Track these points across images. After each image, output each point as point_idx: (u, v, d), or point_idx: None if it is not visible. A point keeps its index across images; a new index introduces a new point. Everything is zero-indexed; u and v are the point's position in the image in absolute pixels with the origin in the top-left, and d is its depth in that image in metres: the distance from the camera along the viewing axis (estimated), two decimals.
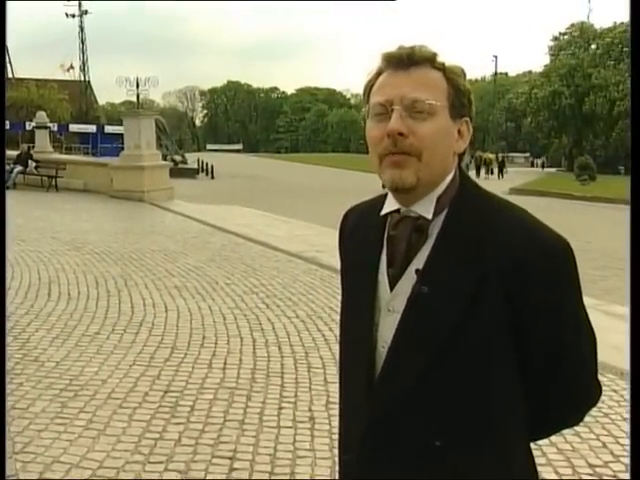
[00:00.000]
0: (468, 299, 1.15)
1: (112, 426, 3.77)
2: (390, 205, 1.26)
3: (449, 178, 1.23)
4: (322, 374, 4.65)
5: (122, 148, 20.21)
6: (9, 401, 4.07)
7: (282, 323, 5.92)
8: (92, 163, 21.54)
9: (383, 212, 1.27)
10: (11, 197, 16.89)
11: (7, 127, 46.28)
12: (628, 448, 3.26)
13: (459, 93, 1.22)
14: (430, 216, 1.21)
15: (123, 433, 3.68)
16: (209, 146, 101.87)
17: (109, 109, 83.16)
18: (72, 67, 60.38)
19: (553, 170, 57.17)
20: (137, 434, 3.67)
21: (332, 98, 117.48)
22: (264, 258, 9.22)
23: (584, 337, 1.23)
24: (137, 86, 24.11)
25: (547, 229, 1.20)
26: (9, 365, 4.71)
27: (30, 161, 19.64)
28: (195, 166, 35.37)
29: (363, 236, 1.31)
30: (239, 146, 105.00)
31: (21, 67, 76.15)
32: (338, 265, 1.44)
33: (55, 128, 39.11)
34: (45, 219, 12.91)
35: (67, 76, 59.34)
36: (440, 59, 1.22)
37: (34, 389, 4.30)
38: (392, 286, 1.24)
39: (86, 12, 63.86)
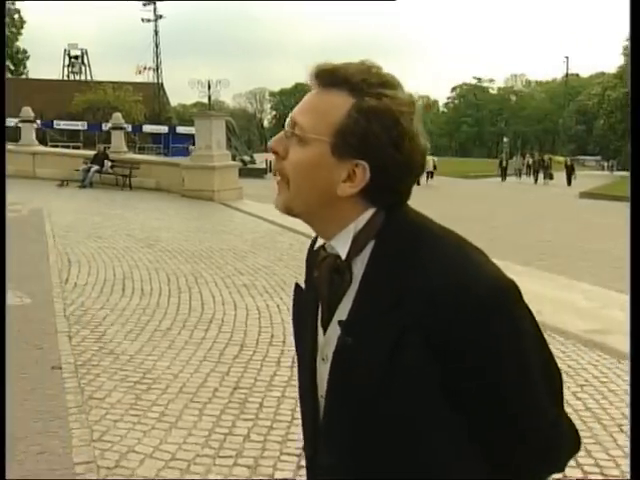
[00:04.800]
0: (390, 351, 1.02)
1: (183, 419, 3.87)
2: (321, 239, 1.14)
3: (368, 214, 1.07)
4: None
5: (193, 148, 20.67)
6: (87, 391, 4.23)
7: None
8: (164, 163, 22.03)
9: (316, 247, 1.16)
10: (88, 195, 17.59)
11: (85, 128, 48.13)
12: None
13: (360, 132, 1.03)
14: (344, 256, 1.07)
15: (194, 427, 3.77)
16: None
17: (180, 110, 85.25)
18: (145, 68, 62.27)
19: (625, 174, 55.11)
20: (207, 428, 3.75)
21: None
22: None
23: (533, 388, 1.07)
24: (209, 88, 24.65)
25: (481, 268, 1.04)
26: (86, 356, 4.90)
27: (106, 161, 20.29)
28: (263, 166, 35.80)
29: (309, 271, 1.20)
30: None
31: (99, 71, 79.00)
32: None
33: (129, 129, 40.37)
34: (120, 217, 13.31)
35: (141, 78, 61.34)
36: (375, 89, 1.03)
37: (110, 380, 4.45)
38: (325, 332, 1.13)
39: (161, 17, 65.85)
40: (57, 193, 17.86)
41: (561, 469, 1.17)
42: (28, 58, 74.27)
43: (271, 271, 8.21)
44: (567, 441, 1.13)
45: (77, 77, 66.79)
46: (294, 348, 1.28)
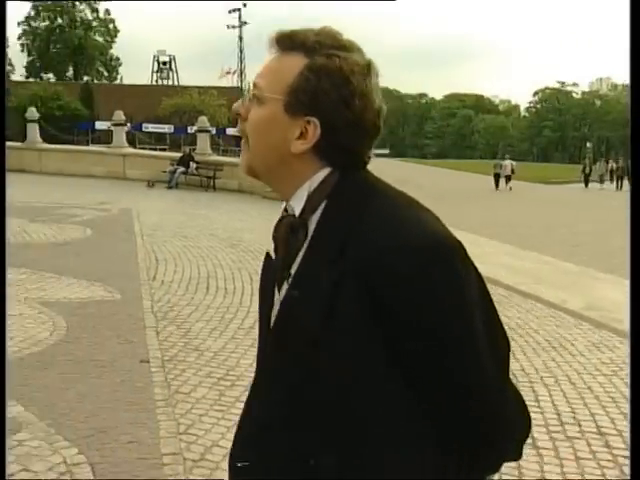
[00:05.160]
0: (328, 303, 1.02)
1: None
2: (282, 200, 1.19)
3: (323, 174, 1.10)
4: None
5: None
6: (173, 385, 4.37)
7: None
8: None
9: (282, 210, 1.19)
10: (174, 196, 18.18)
11: (171, 131, 49.75)
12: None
13: (311, 89, 1.06)
14: (297, 213, 1.11)
15: None
16: None
17: None
18: (229, 73, 63.83)
19: None
20: None
21: (479, 104, 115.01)
22: None
23: (476, 349, 1.04)
24: None
25: (428, 226, 1.05)
26: (173, 352, 5.06)
27: (191, 162, 20.89)
28: None
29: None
30: (385, 150, 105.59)
31: (185, 76, 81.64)
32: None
33: (214, 132, 41.38)
34: (204, 217, 13.65)
35: (226, 83, 62.84)
36: (327, 50, 1.06)
37: (195, 376, 4.57)
38: (280, 291, 1.15)
39: (245, 23, 67.49)
40: (145, 193, 18.54)
41: (513, 451, 1.13)
42: (120, 65, 77.72)
43: None
44: (514, 409, 1.10)
45: (165, 82, 69.20)
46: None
